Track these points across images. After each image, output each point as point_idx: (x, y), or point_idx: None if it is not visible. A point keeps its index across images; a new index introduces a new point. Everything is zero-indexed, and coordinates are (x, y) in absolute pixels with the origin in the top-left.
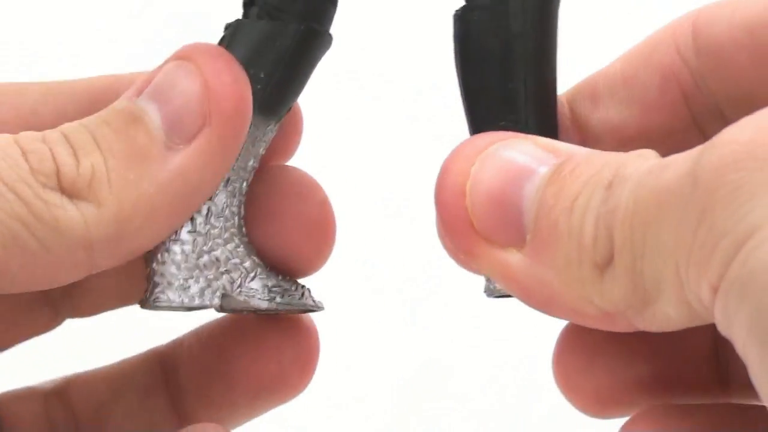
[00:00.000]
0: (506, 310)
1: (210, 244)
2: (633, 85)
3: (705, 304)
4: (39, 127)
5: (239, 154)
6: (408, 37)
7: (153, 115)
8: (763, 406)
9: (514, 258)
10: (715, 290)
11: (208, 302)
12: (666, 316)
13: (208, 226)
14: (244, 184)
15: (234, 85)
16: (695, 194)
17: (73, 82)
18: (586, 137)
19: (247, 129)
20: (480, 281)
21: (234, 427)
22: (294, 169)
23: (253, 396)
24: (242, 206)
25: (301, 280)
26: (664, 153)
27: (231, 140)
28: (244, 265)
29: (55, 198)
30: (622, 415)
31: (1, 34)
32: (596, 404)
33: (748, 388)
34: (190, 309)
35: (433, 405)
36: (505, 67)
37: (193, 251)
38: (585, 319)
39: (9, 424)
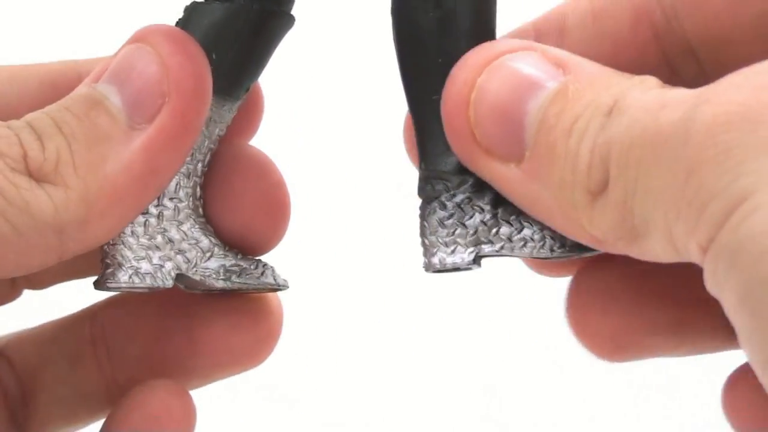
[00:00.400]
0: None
1: (163, 224)
2: (603, 20)
3: (693, 258)
4: (4, 109)
5: None
6: (373, 18)
7: (113, 98)
8: None
9: (512, 172)
10: (703, 250)
11: (160, 283)
12: (654, 252)
13: (160, 207)
14: (199, 165)
15: (191, 62)
16: (686, 148)
17: (39, 66)
18: None
19: (209, 105)
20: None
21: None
22: (250, 147)
23: (199, 366)
24: (198, 187)
25: (264, 258)
26: None
27: (192, 117)
28: (199, 245)
29: (24, 182)
30: (636, 359)
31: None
32: (612, 348)
33: None
34: (143, 289)
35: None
36: (440, 44)
37: (145, 233)
38: (580, 239)
39: None
